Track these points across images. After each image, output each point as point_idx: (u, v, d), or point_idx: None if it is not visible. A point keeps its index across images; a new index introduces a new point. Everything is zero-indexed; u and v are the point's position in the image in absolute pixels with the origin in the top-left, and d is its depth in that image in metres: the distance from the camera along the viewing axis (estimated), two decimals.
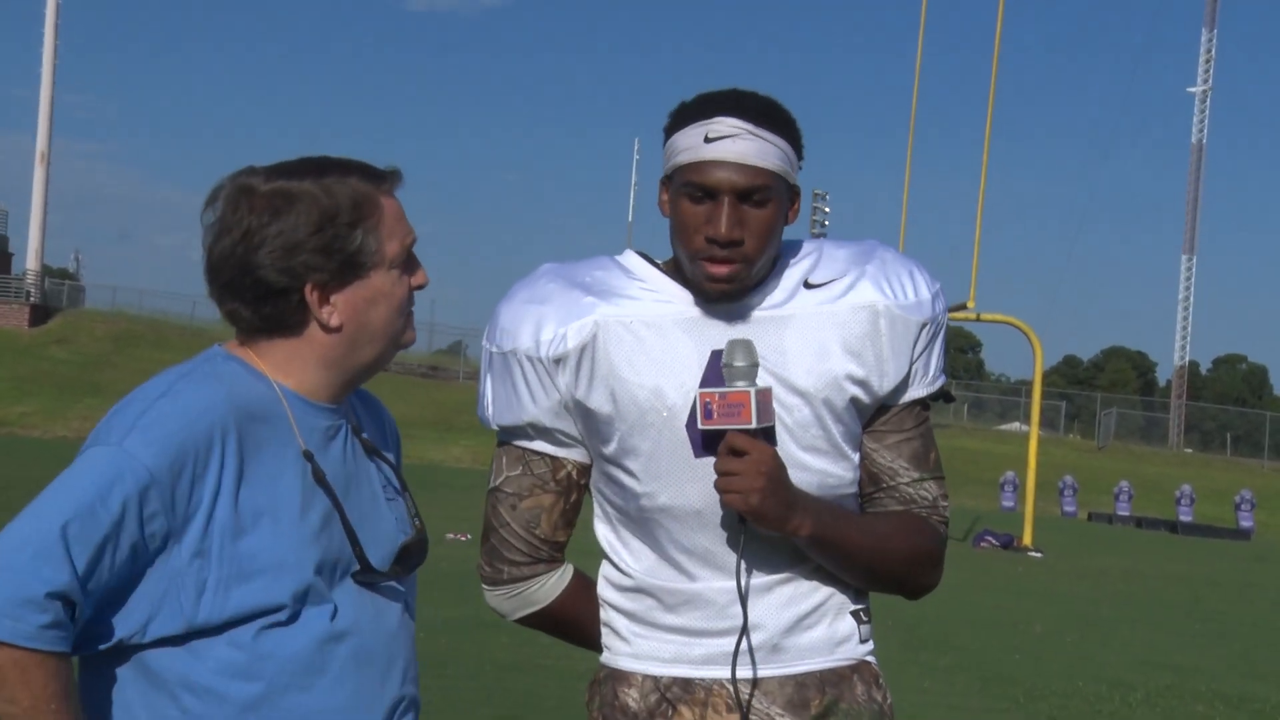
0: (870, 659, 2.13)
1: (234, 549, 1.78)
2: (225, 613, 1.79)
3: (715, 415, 1.94)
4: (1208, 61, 62.84)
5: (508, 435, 2.12)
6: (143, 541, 1.74)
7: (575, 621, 2.17)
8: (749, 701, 2.03)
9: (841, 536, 2.02)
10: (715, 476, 1.96)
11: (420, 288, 1.96)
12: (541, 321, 2.04)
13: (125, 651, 1.80)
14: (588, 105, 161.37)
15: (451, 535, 14.75)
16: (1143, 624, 13.37)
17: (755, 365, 1.95)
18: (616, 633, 2.11)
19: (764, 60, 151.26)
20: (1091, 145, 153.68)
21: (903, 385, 2.08)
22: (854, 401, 2.05)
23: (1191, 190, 63.26)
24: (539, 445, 2.10)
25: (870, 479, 2.11)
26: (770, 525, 1.96)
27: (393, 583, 1.95)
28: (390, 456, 2.06)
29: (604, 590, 2.14)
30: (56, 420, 37.08)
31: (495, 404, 2.10)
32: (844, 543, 2.02)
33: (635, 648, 2.08)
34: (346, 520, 1.88)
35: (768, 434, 1.99)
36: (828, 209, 61.61)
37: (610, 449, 2.05)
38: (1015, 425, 51.24)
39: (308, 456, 1.87)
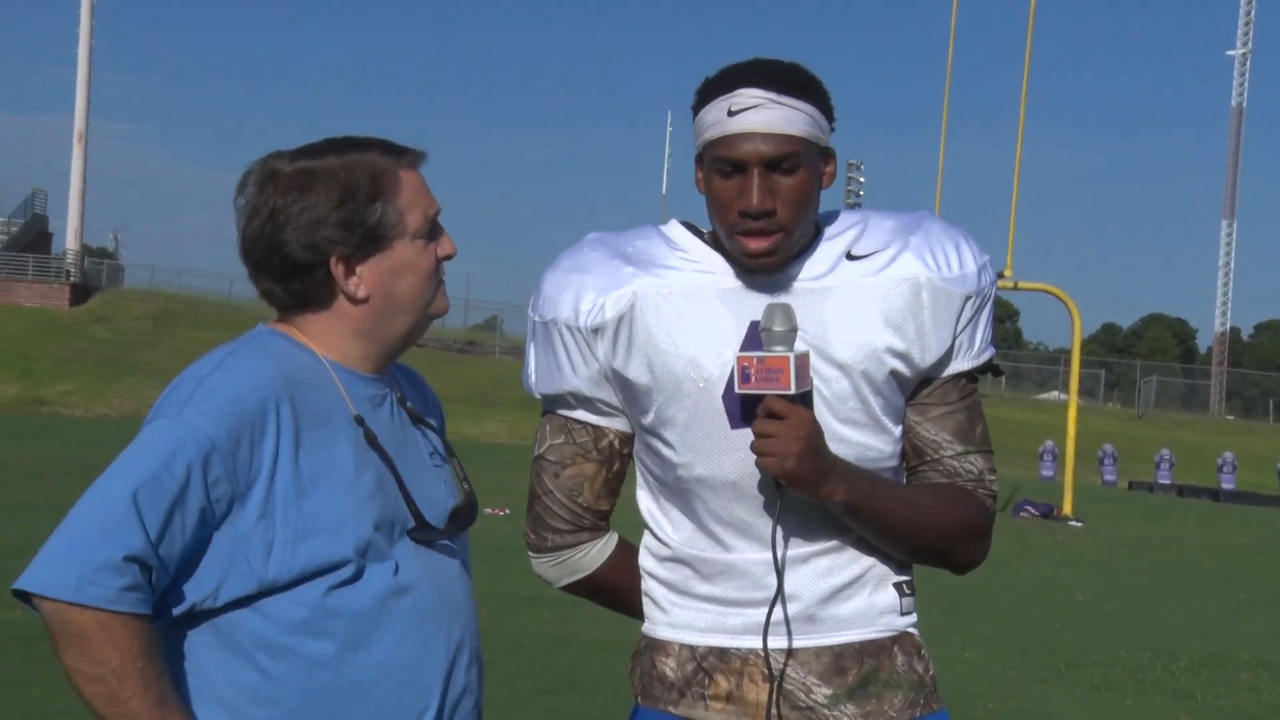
0: (912, 630, 2.12)
1: (297, 509, 1.86)
2: (294, 569, 1.86)
3: (753, 379, 1.93)
4: (1247, 24, 62.07)
5: (550, 404, 2.13)
6: (210, 507, 1.82)
7: (620, 590, 2.18)
8: (783, 670, 2.02)
9: (879, 505, 2.00)
10: (751, 448, 1.95)
11: (448, 257, 2.02)
12: (581, 291, 2.05)
13: (199, 619, 1.87)
14: (621, 79, 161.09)
15: (490, 510, 14.97)
16: (1185, 593, 13.31)
17: (794, 330, 1.94)
18: (655, 603, 2.12)
19: (797, 30, 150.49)
20: (1130, 110, 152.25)
21: (946, 358, 2.06)
22: (894, 374, 2.04)
23: (1231, 154, 62.63)
24: (580, 414, 2.11)
25: (914, 452, 2.10)
26: (806, 490, 1.95)
27: (448, 541, 2.02)
28: (435, 425, 2.12)
29: (644, 560, 2.14)
30: (97, 399, 37.40)
31: (538, 373, 2.12)
32: (882, 512, 2.01)
33: (673, 617, 2.09)
34: (400, 479, 1.95)
35: (805, 400, 1.97)
36: (863, 179, 61.27)
37: (649, 419, 2.05)
38: (1054, 394, 50.98)
39: (359, 421, 1.94)
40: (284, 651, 1.86)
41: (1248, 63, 61.93)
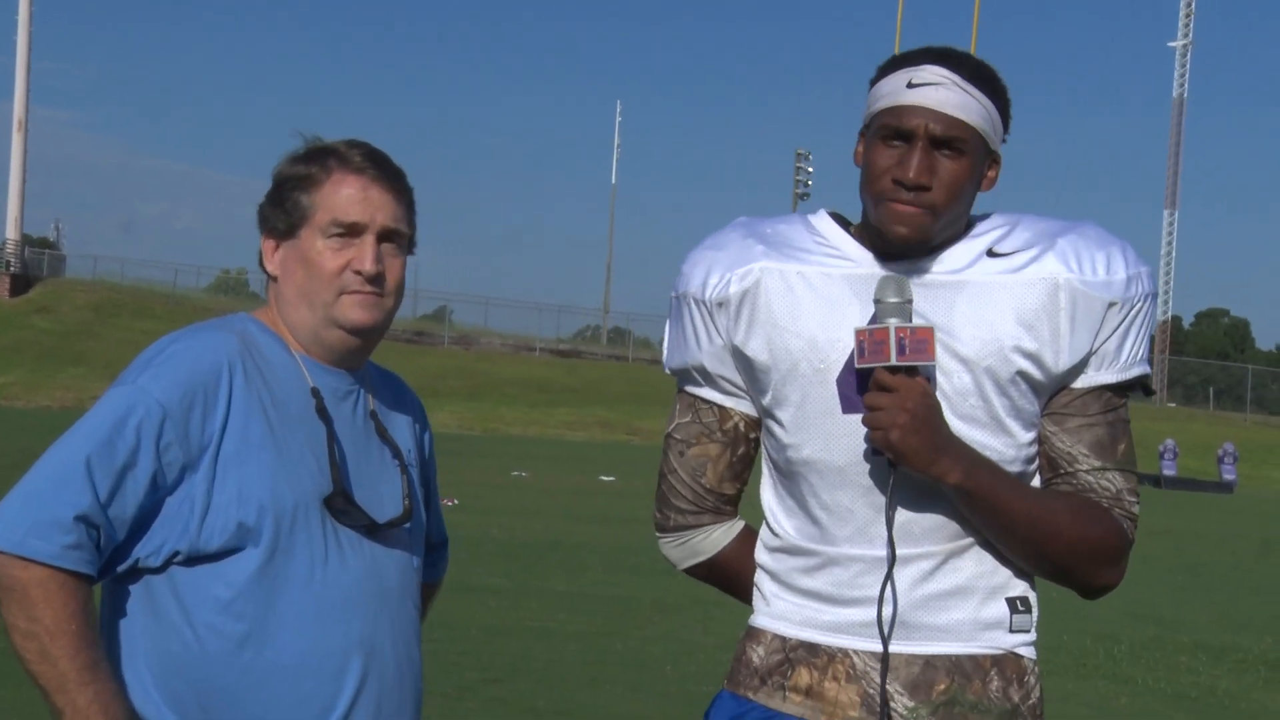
0: (1022, 651, 2.04)
1: (237, 476, 1.92)
2: (227, 532, 1.91)
3: (866, 353, 1.91)
4: (1188, 16, 62.73)
5: (680, 380, 2.13)
6: (161, 470, 1.89)
7: (743, 577, 2.14)
8: (881, 671, 1.96)
9: (1000, 498, 1.93)
10: (861, 434, 1.93)
11: (360, 272, 2.01)
12: (712, 267, 2.05)
13: (138, 581, 1.93)
14: (570, 67, 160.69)
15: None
16: (1127, 577, 13.30)
17: (908, 302, 1.91)
18: (761, 593, 2.09)
19: (744, 21, 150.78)
20: (1072, 101, 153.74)
21: (1083, 365, 1.98)
22: (1023, 375, 1.96)
23: (1173, 144, 63.24)
24: (706, 393, 2.10)
25: (1049, 464, 2.02)
26: (916, 466, 1.89)
27: (387, 537, 2.05)
28: (399, 441, 2.13)
29: (758, 552, 2.11)
30: (39, 391, 36.92)
31: (669, 348, 2.14)
32: (1004, 506, 1.93)
33: (773, 608, 2.06)
34: (338, 451, 1.99)
35: (928, 375, 1.93)
36: (810, 169, 61.36)
37: (767, 399, 2.03)
38: None
39: (315, 394, 2.00)
40: (208, 629, 1.91)
41: (1188, 54, 62.62)
